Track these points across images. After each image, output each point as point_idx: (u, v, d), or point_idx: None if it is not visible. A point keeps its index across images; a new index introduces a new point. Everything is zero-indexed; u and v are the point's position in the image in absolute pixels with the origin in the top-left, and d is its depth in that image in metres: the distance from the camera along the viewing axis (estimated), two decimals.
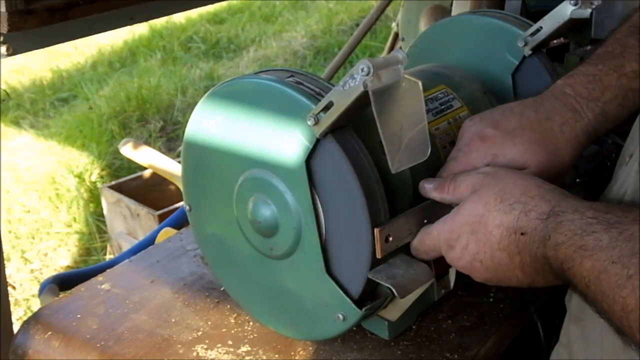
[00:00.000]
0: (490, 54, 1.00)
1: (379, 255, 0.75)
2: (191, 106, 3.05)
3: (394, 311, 0.85)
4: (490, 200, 0.72)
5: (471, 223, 0.73)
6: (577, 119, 0.83)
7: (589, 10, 0.91)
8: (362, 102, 0.68)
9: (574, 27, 0.97)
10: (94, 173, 2.95)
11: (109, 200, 2.42)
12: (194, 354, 0.87)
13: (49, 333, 0.91)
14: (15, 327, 1.08)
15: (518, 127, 0.83)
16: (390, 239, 0.76)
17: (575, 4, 0.92)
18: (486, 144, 0.83)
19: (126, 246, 2.25)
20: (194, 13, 4.57)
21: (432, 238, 0.77)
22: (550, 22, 0.95)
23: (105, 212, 2.49)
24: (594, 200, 0.70)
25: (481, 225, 0.72)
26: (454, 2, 1.67)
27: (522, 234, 0.70)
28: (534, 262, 0.70)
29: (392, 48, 2.43)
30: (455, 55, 1.03)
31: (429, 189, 0.80)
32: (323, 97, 0.72)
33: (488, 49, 1.01)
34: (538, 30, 0.96)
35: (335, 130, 0.73)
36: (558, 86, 0.86)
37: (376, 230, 0.74)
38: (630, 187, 0.75)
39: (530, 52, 0.97)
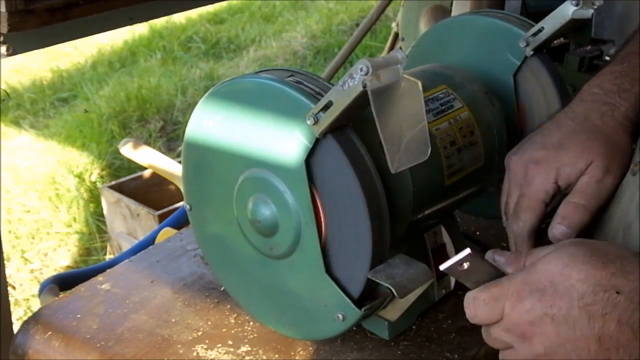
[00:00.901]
0: (491, 55, 1.00)
1: (442, 268, 0.65)
2: (191, 106, 3.05)
3: (393, 311, 0.85)
4: (578, 254, 0.62)
5: (551, 274, 0.62)
6: (613, 109, 0.81)
7: (591, 11, 0.91)
8: (361, 102, 0.68)
9: (575, 28, 0.97)
10: (94, 173, 2.96)
11: (109, 200, 2.42)
12: (194, 354, 0.87)
13: (49, 333, 0.91)
14: (15, 327, 1.08)
15: (563, 137, 0.81)
16: (465, 266, 0.65)
17: (577, 5, 0.92)
18: (544, 165, 0.81)
19: (126, 246, 2.25)
20: (194, 13, 4.57)
21: (500, 287, 0.65)
22: (551, 23, 0.95)
23: (105, 212, 2.49)
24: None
25: (563, 277, 0.61)
26: (454, 2, 1.67)
27: (617, 292, 0.59)
28: (619, 332, 0.59)
29: (392, 48, 2.43)
30: (456, 55, 1.03)
31: (502, 263, 0.69)
32: (323, 96, 0.72)
33: (490, 50, 1.01)
34: (540, 31, 0.96)
35: (334, 129, 0.73)
36: (584, 90, 0.85)
37: (468, 249, 0.65)
38: None
39: (531, 53, 0.97)
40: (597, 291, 0.60)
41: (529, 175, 0.82)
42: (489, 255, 0.70)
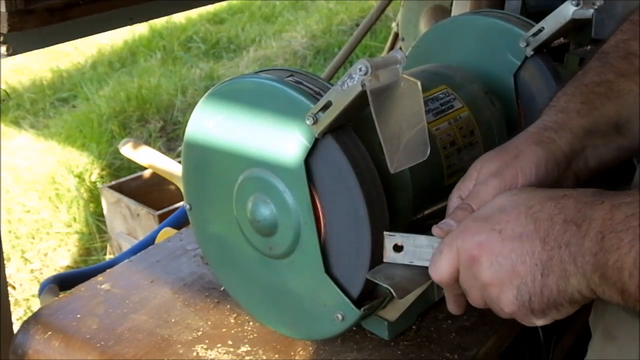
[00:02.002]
0: (492, 55, 1.01)
1: (384, 260, 0.74)
2: (191, 106, 3.05)
3: (393, 311, 0.86)
4: (524, 189, 0.68)
5: (499, 204, 0.67)
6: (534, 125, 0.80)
7: (591, 11, 0.91)
8: (360, 102, 0.68)
9: (575, 28, 0.97)
10: (94, 173, 2.96)
11: (109, 200, 2.42)
12: (194, 354, 0.87)
13: (49, 333, 0.91)
14: (15, 327, 1.08)
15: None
16: (404, 250, 0.73)
17: (577, 5, 0.92)
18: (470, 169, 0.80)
19: (126, 246, 2.25)
20: (194, 13, 4.57)
21: (449, 236, 0.70)
22: (552, 23, 0.95)
23: (105, 212, 2.49)
24: None
25: (511, 200, 0.66)
26: (454, 2, 1.67)
27: (564, 195, 0.62)
28: (563, 228, 0.60)
29: (392, 48, 2.43)
30: (457, 55, 1.03)
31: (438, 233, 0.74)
32: (322, 96, 0.72)
33: (490, 50, 1.01)
34: (540, 31, 0.96)
35: (334, 129, 0.73)
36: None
37: (385, 234, 0.73)
38: None
39: (532, 53, 0.97)
40: (546, 201, 0.63)
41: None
42: (433, 227, 0.74)
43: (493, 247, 0.65)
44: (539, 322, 0.66)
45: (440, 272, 0.70)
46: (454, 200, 0.79)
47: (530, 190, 0.67)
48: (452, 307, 0.77)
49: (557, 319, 0.66)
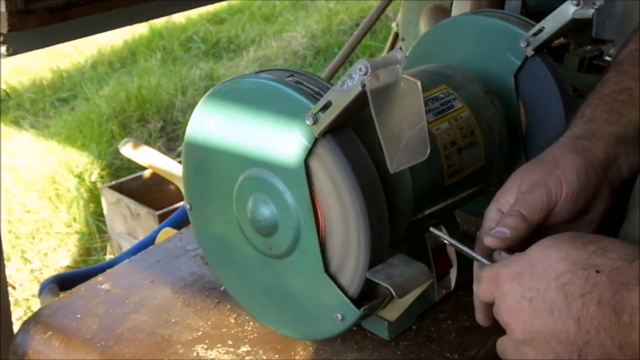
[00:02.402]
0: (492, 54, 1.00)
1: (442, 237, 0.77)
2: (191, 106, 3.05)
3: (393, 311, 0.85)
4: (561, 237, 0.62)
5: (532, 257, 0.62)
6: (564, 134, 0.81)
7: (592, 11, 0.91)
8: (360, 102, 0.68)
9: (576, 28, 0.97)
10: (94, 173, 2.96)
11: (109, 200, 2.42)
12: (194, 354, 0.87)
13: (49, 333, 0.91)
14: (15, 327, 1.08)
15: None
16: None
17: (578, 4, 0.92)
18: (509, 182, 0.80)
19: (126, 246, 2.25)
20: (194, 13, 4.57)
21: (487, 276, 0.67)
22: (552, 23, 0.95)
23: (105, 212, 2.49)
24: None
25: (542, 258, 0.61)
26: (454, 2, 1.67)
27: (596, 271, 0.57)
28: (600, 313, 0.56)
29: (392, 48, 2.43)
30: (457, 55, 1.03)
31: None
32: (322, 96, 0.72)
33: (490, 49, 1.01)
34: (540, 31, 0.96)
35: (334, 129, 0.73)
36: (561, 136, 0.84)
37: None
38: None
39: (532, 53, 0.97)
40: (575, 270, 0.58)
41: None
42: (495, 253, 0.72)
43: (524, 318, 0.61)
44: None
45: (478, 298, 0.72)
46: (492, 213, 0.79)
47: (562, 243, 0.61)
48: (481, 317, 0.76)
49: None
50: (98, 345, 0.88)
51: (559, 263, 0.59)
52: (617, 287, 0.56)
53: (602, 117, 0.80)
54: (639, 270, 0.55)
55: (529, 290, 0.61)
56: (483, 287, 0.68)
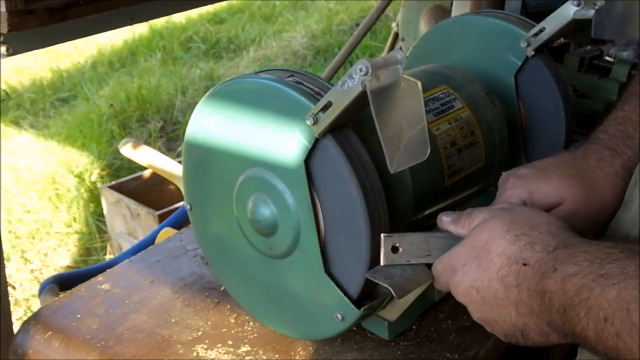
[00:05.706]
0: (493, 55, 1.01)
1: (382, 263, 0.75)
2: (191, 106, 3.05)
3: (393, 311, 0.85)
4: (496, 229, 0.70)
5: (476, 248, 0.71)
6: (614, 155, 0.83)
7: (592, 11, 0.91)
8: (360, 102, 0.68)
9: (576, 28, 0.97)
10: (94, 173, 2.96)
11: (109, 200, 2.42)
12: (194, 354, 0.87)
13: (49, 333, 0.91)
14: (15, 327, 1.08)
15: (552, 164, 0.84)
16: (400, 250, 0.75)
17: (579, 5, 0.92)
18: (521, 181, 0.83)
19: (126, 246, 2.25)
20: (194, 13, 4.57)
21: (442, 264, 0.75)
22: (553, 23, 0.95)
23: (105, 212, 2.49)
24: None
25: (484, 251, 0.70)
26: (454, 2, 1.67)
27: (524, 264, 0.66)
28: (530, 299, 0.66)
29: (392, 48, 2.43)
30: (458, 55, 1.03)
31: (446, 221, 0.79)
32: (322, 97, 0.72)
33: (491, 50, 1.01)
34: (541, 31, 0.96)
35: (334, 130, 0.73)
36: (590, 137, 0.87)
37: (382, 236, 0.74)
38: None
39: (532, 53, 0.97)
40: (510, 264, 0.67)
41: (505, 185, 0.85)
42: (439, 216, 0.79)
43: (477, 303, 0.71)
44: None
45: (442, 288, 0.78)
46: (514, 198, 0.84)
47: (498, 236, 0.69)
48: None
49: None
50: (98, 345, 0.88)
51: (497, 257, 0.68)
52: (540, 277, 0.65)
53: (635, 119, 0.84)
54: (555, 260, 0.64)
55: (475, 281, 0.70)
56: (439, 282, 0.77)
